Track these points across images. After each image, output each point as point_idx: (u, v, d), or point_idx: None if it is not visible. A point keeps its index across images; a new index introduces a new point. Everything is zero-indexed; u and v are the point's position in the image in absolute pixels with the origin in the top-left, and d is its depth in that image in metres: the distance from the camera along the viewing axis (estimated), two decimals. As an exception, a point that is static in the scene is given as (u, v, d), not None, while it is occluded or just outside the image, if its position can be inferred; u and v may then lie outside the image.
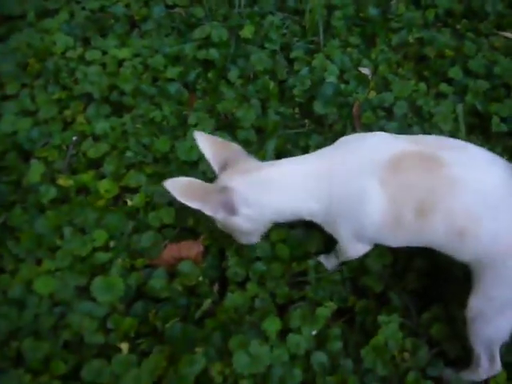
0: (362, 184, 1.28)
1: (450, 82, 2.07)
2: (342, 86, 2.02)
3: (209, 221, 1.39)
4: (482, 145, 1.34)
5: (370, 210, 1.28)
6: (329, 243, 1.56)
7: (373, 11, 2.29)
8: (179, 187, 1.34)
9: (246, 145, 1.77)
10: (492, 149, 1.34)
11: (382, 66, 2.11)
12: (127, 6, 2.33)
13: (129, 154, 1.82)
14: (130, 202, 1.72)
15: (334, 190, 1.32)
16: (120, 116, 1.95)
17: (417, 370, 1.40)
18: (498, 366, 1.35)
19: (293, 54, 2.14)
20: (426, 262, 1.59)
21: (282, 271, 1.58)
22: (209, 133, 1.81)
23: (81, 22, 2.25)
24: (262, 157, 1.72)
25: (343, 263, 1.57)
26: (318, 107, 1.94)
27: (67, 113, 1.95)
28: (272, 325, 1.43)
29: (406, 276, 1.59)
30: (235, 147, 1.46)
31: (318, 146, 1.78)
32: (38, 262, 1.57)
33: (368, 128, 1.89)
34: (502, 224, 1.21)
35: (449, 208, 1.22)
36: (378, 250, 1.52)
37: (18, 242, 1.60)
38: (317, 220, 1.42)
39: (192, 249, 1.62)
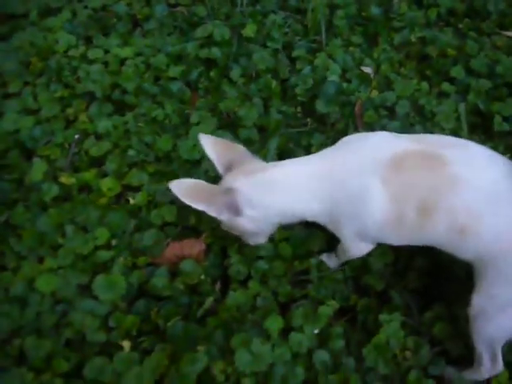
0: (364, 183, 1.28)
1: (452, 81, 2.07)
2: (344, 84, 2.02)
3: (211, 219, 1.39)
4: (484, 144, 1.34)
5: (372, 209, 1.29)
6: (331, 242, 1.56)
7: (375, 10, 2.29)
8: (184, 189, 1.35)
9: (248, 144, 1.77)
10: (494, 148, 1.35)
11: (384, 65, 2.11)
12: (129, 4, 2.33)
13: (131, 152, 1.82)
14: (132, 201, 1.72)
15: (337, 190, 1.32)
16: (122, 114, 1.95)
17: (418, 369, 1.40)
18: (500, 365, 1.35)
19: (295, 53, 2.14)
20: (427, 261, 1.59)
21: (284, 270, 1.58)
22: (211, 131, 1.83)
23: (83, 20, 2.25)
24: (264, 156, 1.72)
25: (345, 262, 1.57)
26: (320, 106, 1.94)
27: (69, 111, 1.96)
28: (274, 323, 1.43)
29: (407, 275, 1.59)
30: (240, 148, 1.46)
31: (320, 145, 1.80)
32: (40, 260, 1.57)
33: (370, 127, 1.90)
34: (504, 222, 1.21)
35: (450, 206, 1.22)
36: (380, 249, 1.52)
37: (20, 239, 1.60)
38: (320, 221, 1.42)
39: (194, 247, 1.62)
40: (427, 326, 1.49)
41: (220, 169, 1.43)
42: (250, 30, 2.18)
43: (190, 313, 1.49)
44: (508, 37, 2.23)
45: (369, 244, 1.43)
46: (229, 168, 1.41)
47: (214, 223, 1.53)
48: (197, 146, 1.77)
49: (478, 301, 1.29)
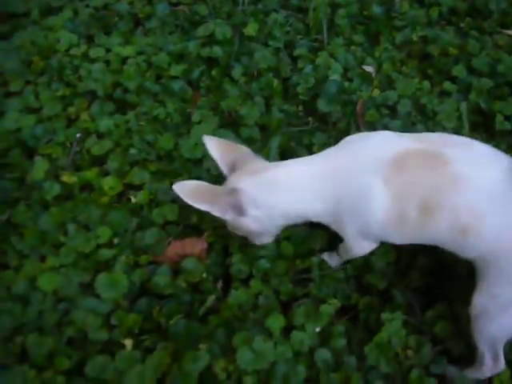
0: (366, 182, 1.28)
1: (453, 80, 2.07)
2: (346, 83, 2.02)
3: (213, 218, 1.39)
4: (485, 143, 1.34)
5: (374, 209, 1.29)
6: (332, 241, 1.56)
7: (376, 9, 2.29)
8: (187, 190, 1.35)
9: (250, 142, 1.77)
10: (496, 147, 1.34)
11: (385, 64, 2.11)
12: (131, 3, 2.34)
13: (133, 151, 1.82)
14: (133, 199, 1.72)
15: (340, 190, 1.32)
16: (124, 113, 1.95)
17: (420, 368, 1.40)
18: (501, 364, 1.35)
19: (296, 52, 2.14)
20: (429, 260, 1.59)
21: (286, 268, 1.58)
22: (212, 130, 1.84)
23: (85, 19, 2.25)
24: (266, 154, 1.72)
25: (347, 261, 1.57)
26: (322, 105, 1.94)
27: (71, 110, 1.96)
28: (276, 322, 1.43)
29: (409, 273, 1.59)
30: (243, 149, 1.46)
31: (322, 144, 1.80)
32: (42, 259, 1.57)
33: (372, 126, 1.90)
34: (506, 221, 1.21)
35: (452, 205, 1.22)
36: (382, 247, 1.52)
37: (22, 238, 1.60)
38: (323, 221, 1.42)
39: (196, 246, 1.62)
40: (429, 325, 1.49)
41: (224, 169, 1.44)
42: (251, 29, 2.18)
43: (191, 311, 1.49)
44: (510, 36, 2.23)
45: (372, 243, 1.43)
46: (233, 168, 1.42)
47: (215, 222, 1.54)
48: (198, 144, 1.78)
49: (480, 300, 1.29)
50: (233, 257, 1.59)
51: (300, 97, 2.00)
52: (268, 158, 1.67)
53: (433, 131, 1.84)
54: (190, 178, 1.72)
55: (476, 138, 1.34)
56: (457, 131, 1.86)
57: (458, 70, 2.07)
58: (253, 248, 1.58)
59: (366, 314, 1.52)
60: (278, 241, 1.61)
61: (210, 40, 2.16)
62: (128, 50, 2.12)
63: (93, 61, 2.09)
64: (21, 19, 2.27)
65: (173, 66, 2.07)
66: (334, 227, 1.43)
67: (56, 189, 1.70)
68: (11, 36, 2.18)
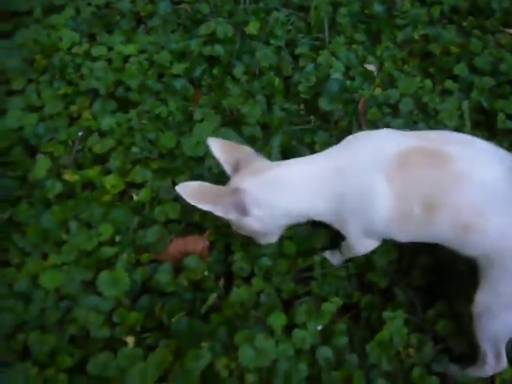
0: (368, 181, 1.28)
1: (455, 78, 2.07)
2: (348, 82, 2.02)
3: (215, 216, 1.39)
4: (487, 141, 1.34)
5: (377, 207, 1.28)
6: (334, 239, 1.57)
7: (378, 8, 2.29)
8: (190, 191, 1.35)
9: (252, 141, 1.78)
10: (498, 145, 1.34)
11: (387, 63, 2.11)
12: (133, 2, 2.34)
13: (134, 149, 1.82)
14: (135, 197, 1.72)
15: (342, 189, 1.32)
16: (126, 112, 1.95)
17: (422, 366, 1.41)
18: (504, 362, 1.35)
19: (298, 51, 2.14)
20: (431, 259, 1.60)
21: (288, 267, 1.58)
22: (214, 129, 1.84)
23: (87, 18, 2.26)
24: (268, 153, 1.72)
25: (349, 259, 1.57)
26: (324, 104, 1.94)
27: (73, 108, 1.96)
28: (277, 320, 1.43)
29: (411, 272, 1.59)
30: (247, 150, 1.47)
31: (324, 143, 1.80)
32: (44, 257, 1.57)
33: (373, 124, 1.90)
34: (510, 219, 1.21)
35: (455, 203, 1.22)
36: (384, 246, 1.51)
37: (24, 236, 1.60)
38: (325, 220, 1.42)
39: (198, 244, 1.62)
40: (430, 324, 1.49)
41: (228, 169, 1.44)
42: (253, 28, 2.18)
43: (193, 309, 1.50)
44: (512, 35, 2.23)
45: (374, 241, 1.43)
46: (236, 169, 1.42)
47: (217, 220, 1.53)
48: (200, 142, 1.78)
49: (482, 298, 1.29)
50: (235, 255, 1.59)
51: (301, 95, 2.00)
52: (270, 156, 1.67)
53: (434, 129, 1.84)
54: (192, 176, 1.72)
55: (478, 137, 1.34)
56: (458, 130, 1.86)
57: (460, 69, 2.07)
58: (255, 246, 1.58)
59: (367, 312, 1.52)
60: (280, 239, 1.61)
61: (212, 38, 2.16)
62: (130, 49, 2.12)
63: (95, 59, 2.09)
64: (23, 17, 2.27)
65: (175, 65, 2.08)
66: (336, 226, 1.43)
67: (58, 187, 1.71)
68: (13, 34, 2.19)
